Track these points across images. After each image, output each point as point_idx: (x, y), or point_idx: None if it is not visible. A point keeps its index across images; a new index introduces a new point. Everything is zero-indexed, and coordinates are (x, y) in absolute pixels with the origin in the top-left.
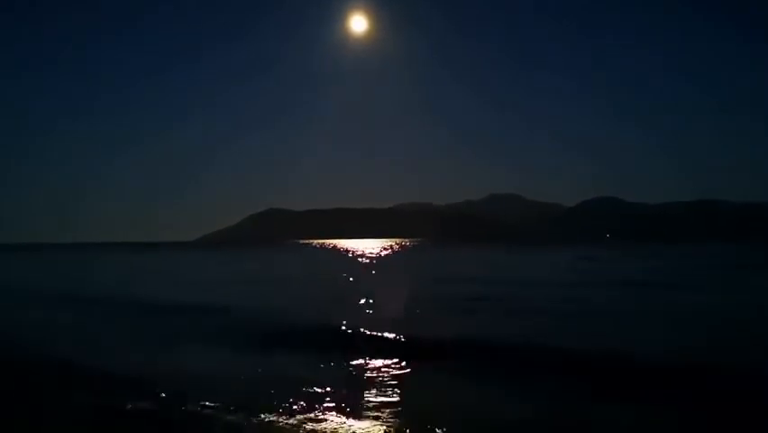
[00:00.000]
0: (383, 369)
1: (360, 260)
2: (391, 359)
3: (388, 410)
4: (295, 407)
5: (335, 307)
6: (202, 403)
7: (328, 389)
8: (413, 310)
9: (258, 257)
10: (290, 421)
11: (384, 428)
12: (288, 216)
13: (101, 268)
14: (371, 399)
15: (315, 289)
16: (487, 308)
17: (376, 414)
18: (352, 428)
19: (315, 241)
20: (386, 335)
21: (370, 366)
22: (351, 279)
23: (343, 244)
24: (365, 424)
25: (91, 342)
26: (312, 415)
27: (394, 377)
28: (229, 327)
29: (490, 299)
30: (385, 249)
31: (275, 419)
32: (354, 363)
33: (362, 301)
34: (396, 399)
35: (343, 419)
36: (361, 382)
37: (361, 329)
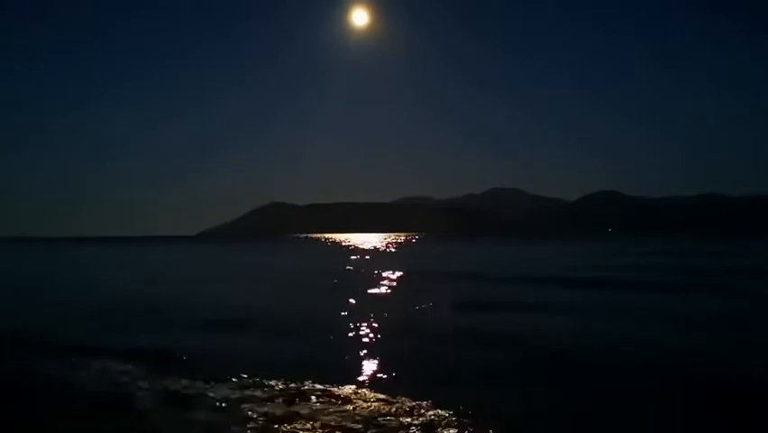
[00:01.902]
0: None
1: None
2: None
3: None
4: None
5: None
6: None
7: None
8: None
9: (218, 253)
10: None
11: None
12: (290, 210)
13: None
14: None
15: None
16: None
17: None
18: None
19: (317, 235)
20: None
21: None
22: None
23: (343, 238)
24: None
25: None
26: None
27: None
28: None
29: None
30: (371, 244)
31: None
32: None
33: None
34: None
35: None
36: None
37: None
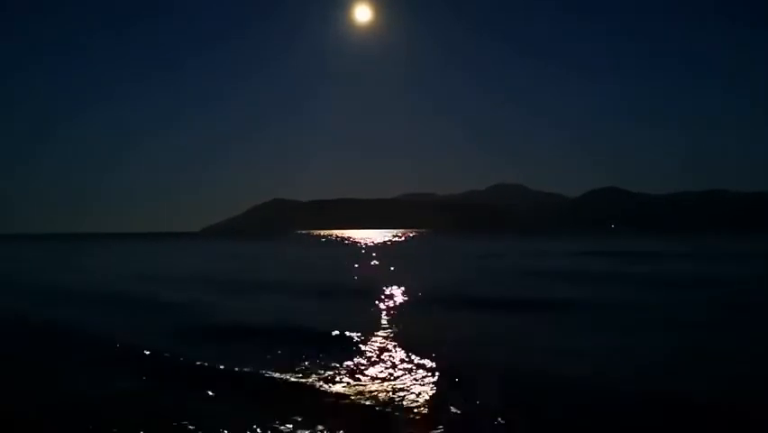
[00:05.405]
0: None
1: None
2: None
3: None
4: None
5: None
6: None
7: None
8: None
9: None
10: None
11: None
12: (292, 206)
13: None
14: None
15: None
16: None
17: None
18: None
19: (319, 232)
20: None
21: None
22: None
23: (345, 234)
24: None
25: None
26: None
27: None
28: None
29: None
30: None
31: None
32: None
33: None
34: None
35: None
36: None
37: None
